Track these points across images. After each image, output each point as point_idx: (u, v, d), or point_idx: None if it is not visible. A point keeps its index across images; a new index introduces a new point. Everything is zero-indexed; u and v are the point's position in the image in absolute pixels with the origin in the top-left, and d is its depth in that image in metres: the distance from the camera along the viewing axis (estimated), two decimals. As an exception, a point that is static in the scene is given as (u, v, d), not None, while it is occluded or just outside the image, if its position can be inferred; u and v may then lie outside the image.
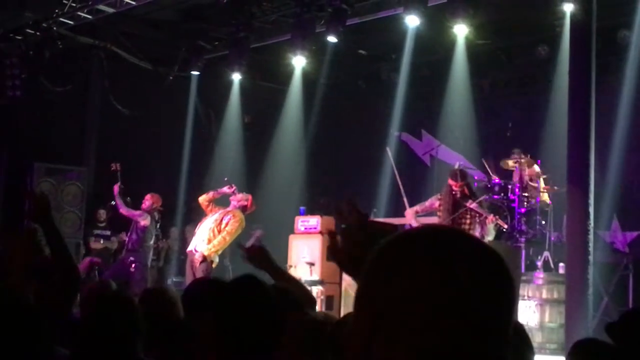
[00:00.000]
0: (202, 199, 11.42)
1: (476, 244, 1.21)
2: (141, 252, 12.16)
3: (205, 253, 10.75)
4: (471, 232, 9.64)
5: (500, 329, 1.18)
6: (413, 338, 1.13)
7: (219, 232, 10.83)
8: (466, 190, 10.17)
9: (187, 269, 11.11)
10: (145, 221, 12.15)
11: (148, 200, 12.26)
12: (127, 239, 12.54)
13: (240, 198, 11.26)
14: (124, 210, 12.29)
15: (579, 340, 3.55)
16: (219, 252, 11.04)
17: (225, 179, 12.00)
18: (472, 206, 10.02)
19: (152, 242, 12.41)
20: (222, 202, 11.55)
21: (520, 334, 3.34)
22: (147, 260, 12.27)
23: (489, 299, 1.16)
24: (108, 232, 13.89)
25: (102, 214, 13.84)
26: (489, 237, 9.99)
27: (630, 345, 2.96)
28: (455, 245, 1.19)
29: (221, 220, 10.90)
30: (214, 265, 11.06)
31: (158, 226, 12.70)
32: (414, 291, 1.14)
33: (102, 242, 13.78)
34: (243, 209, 11.19)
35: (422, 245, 1.19)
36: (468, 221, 10.19)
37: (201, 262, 10.78)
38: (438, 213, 10.40)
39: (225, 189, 11.41)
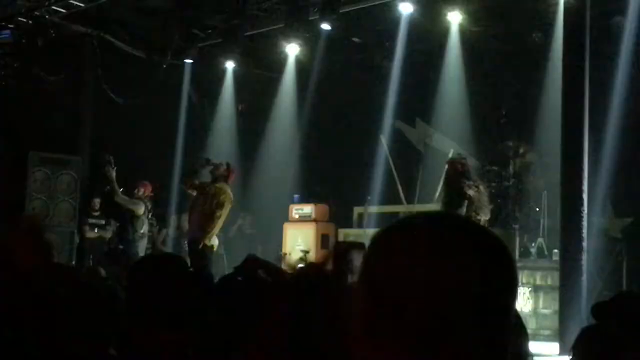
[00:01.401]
0: (185, 183, 11.29)
1: (479, 228, 1.23)
2: (132, 241, 12.12)
3: (204, 239, 10.59)
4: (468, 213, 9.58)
5: (503, 313, 1.19)
6: (416, 320, 1.14)
7: (211, 213, 10.67)
8: (459, 168, 10.04)
9: (190, 259, 10.84)
10: (139, 210, 12.12)
11: (141, 188, 12.22)
12: (119, 228, 12.50)
13: (219, 169, 11.02)
14: (119, 199, 12.20)
15: (586, 326, 3.54)
16: (216, 233, 10.86)
17: (206, 159, 11.76)
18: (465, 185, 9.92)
19: (143, 230, 12.34)
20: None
21: (515, 320, 3.33)
22: (138, 249, 12.16)
23: (493, 283, 1.17)
24: (102, 221, 13.86)
25: (97, 202, 13.81)
26: (484, 217, 9.89)
27: (623, 328, 2.96)
28: (459, 229, 1.20)
29: (210, 202, 10.71)
30: (214, 249, 10.89)
31: (150, 215, 12.63)
32: (418, 274, 1.15)
33: (96, 230, 13.76)
34: (225, 179, 11.06)
35: (426, 229, 1.20)
36: (465, 202, 10.04)
37: (201, 249, 10.62)
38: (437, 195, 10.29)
39: (201, 166, 11.22)
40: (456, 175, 9.95)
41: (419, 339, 1.14)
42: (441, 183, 10.32)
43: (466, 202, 9.72)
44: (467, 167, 10.20)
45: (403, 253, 1.17)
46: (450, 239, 1.18)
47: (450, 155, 11.76)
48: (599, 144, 11.04)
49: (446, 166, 10.29)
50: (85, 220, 13.86)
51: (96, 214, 13.88)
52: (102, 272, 5.20)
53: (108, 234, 13.83)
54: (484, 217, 9.86)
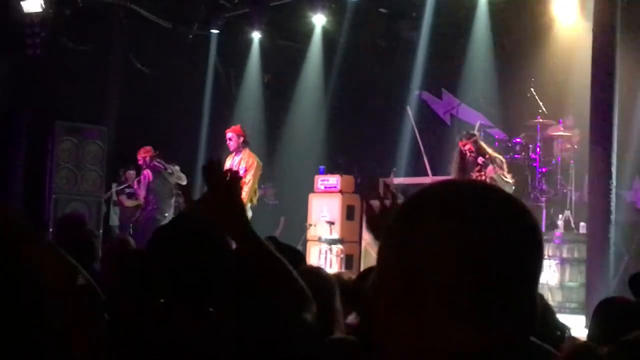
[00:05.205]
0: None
1: (502, 194, 1.20)
2: (154, 210, 12.18)
3: None
4: None
5: (530, 281, 1.16)
6: (445, 291, 1.12)
7: (243, 184, 10.65)
8: (472, 147, 9.97)
9: None
10: (149, 176, 12.18)
11: (139, 156, 12.27)
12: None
13: (235, 138, 10.90)
14: (139, 191, 12.41)
15: (605, 298, 3.52)
16: (253, 203, 10.85)
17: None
18: (480, 162, 9.86)
19: (170, 198, 12.38)
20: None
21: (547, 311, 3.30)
22: (159, 215, 12.12)
23: (520, 250, 1.15)
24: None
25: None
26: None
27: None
28: (482, 196, 1.18)
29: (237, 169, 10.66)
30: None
31: (173, 176, 12.38)
32: (444, 244, 1.13)
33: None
34: (245, 144, 10.99)
35: (449, 197, 1.18)
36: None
37: None
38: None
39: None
40: (473, 153, 9.91)
41: (450, 310, 1.12)
42: (455, 161, 10.21)
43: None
44: (478, 144, 10.07)
45: (433, 224, 1.15)
46: (481, 208, 1.15)
47: (476, 127, 11.71)
48: (629, 115, 10.92)
49: (459, 146, 10.15)
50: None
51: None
52: (132, 242, 5.21)
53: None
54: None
